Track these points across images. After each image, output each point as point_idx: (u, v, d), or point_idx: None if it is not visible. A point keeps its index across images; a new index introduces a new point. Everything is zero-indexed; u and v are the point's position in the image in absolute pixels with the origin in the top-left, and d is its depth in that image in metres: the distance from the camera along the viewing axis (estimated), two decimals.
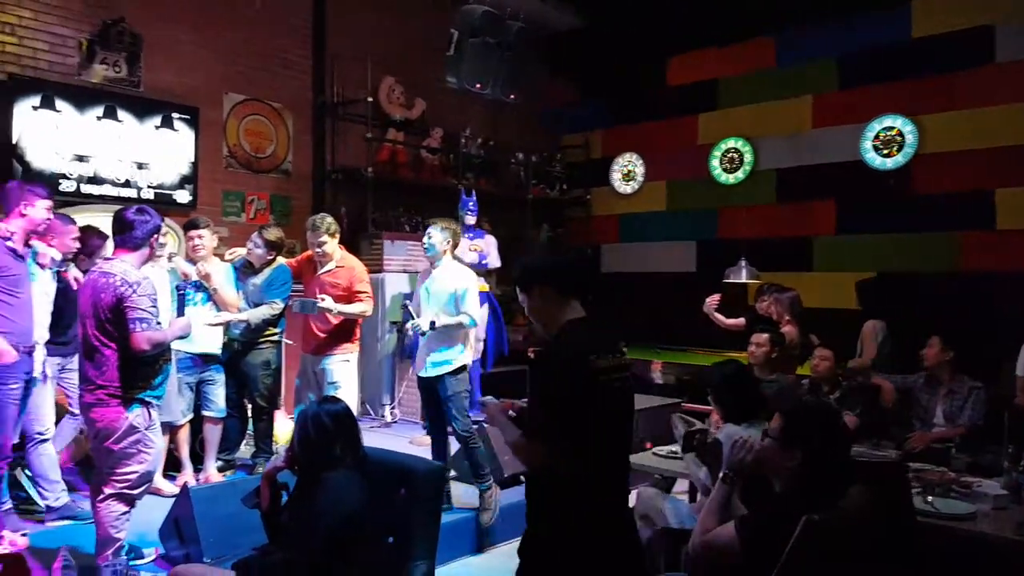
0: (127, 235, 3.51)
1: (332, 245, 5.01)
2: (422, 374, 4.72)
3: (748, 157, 8.90)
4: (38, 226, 3.95)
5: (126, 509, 3.50)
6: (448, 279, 4.65)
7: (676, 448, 3.92)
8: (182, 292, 3.77)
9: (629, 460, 2.49)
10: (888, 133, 7.82)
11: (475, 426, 4.70)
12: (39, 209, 3.91)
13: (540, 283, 2.47)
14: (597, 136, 10.42)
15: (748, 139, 8.90)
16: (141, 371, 3.44)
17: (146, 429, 3.47)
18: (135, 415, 3.42)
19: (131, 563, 3.73)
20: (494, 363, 7.08)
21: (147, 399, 3.48)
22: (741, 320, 5.82)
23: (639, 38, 9.41)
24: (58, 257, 4.39)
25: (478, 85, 6.66)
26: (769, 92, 8.71)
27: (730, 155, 9.04)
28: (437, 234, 4.67)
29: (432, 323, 4.51)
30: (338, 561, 2.73)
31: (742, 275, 6.88)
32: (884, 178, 7.86)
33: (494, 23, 6.76)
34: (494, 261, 6.89)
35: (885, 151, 7.85)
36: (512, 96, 6.98)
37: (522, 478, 5.01)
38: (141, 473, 3.49)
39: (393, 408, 7.17)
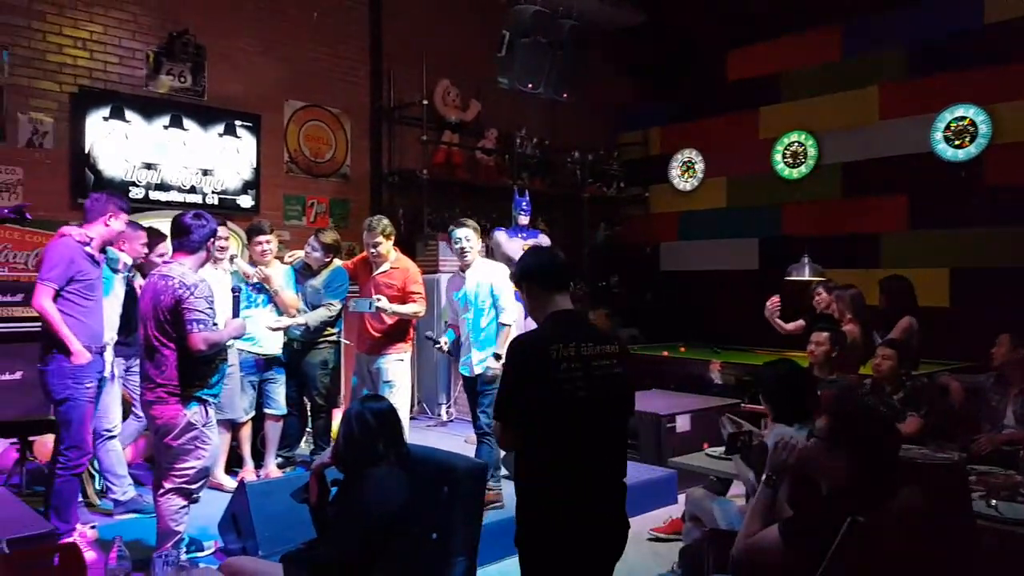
0: (184, 239, 3.63)
1: (387, 246, 5.06)
2: (467, 373, 4.74)
3: (812, 151, 8.67)
4: (115, 236, 4.12)
5: (184, 503, 3.61)
6: (484, 275, 4.68)
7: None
8: (237, 294, 3.86)
9: (617, 444, 2.61)
10: (960, 123, 7.53)
11: None
12: (120, 222, 4.09)
13: (527, 281, 2.67)
14: (655, 133, 10.30)
15: (812, 133, 8.67)
16: (198, 370, 3.56)
17: (203, 426, 3.57)
18: (193, 412, 3.53)
19: (191, 555, 3.86)
20: None
21: (204, 397, 3.58)
22: (801, 323, 5.66)
23: (697, 34, 9.28)
24: (129, 262, 4.57)
25: (530, 85, 6.65)
26: (834, 83, 8.47)
27: (793, 149, 8.83)
28: (474, 236, 4.70)
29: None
30: (381, 556, 2.77)
31: (805, 273, 6.67)
32: (956, 170, 7.56)
33: (545, 22, 6.74)
34: None
35: (957, 142, 7.55)
36: (565, 95, 6.94)
37: None
38: (199, 469, 3.60)
39: (449, 407, 7.22)
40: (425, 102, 8.07)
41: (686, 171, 9.86)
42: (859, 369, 5.29)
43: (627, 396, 2.63)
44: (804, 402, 3.34)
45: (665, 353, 7.63)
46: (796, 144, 8.79)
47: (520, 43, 6.61)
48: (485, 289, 4.64)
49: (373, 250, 5.05)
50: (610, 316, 9.88)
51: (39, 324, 5.37)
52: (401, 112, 8.36)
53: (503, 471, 4.94)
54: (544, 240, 6.96)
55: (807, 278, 6.49)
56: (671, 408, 5.92)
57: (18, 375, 5.47)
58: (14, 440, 4.80)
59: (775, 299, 5.62)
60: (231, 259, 5.12)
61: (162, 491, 3.60)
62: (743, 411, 6.08)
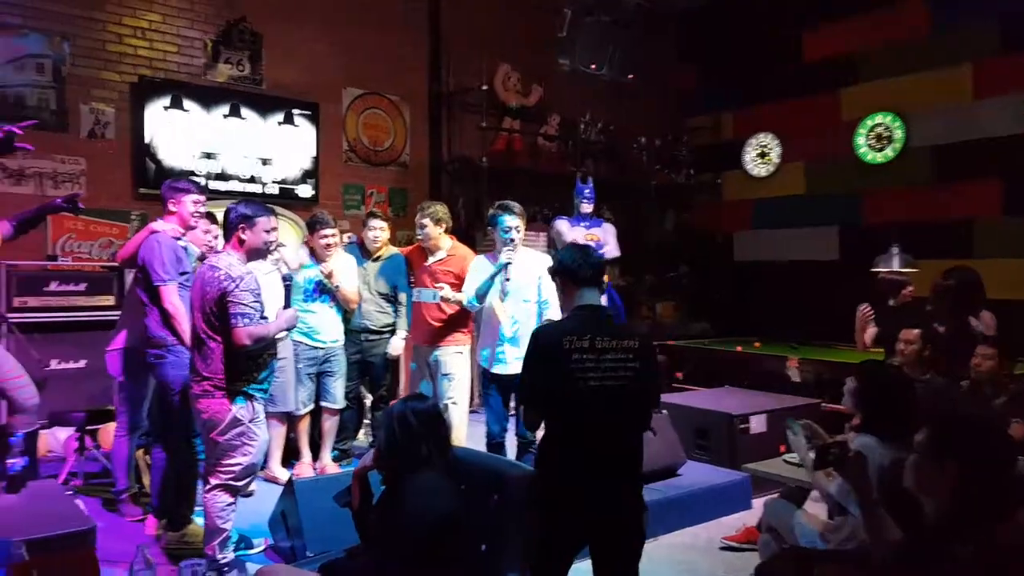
0: (232, 228, 3.51)
1: (435, 231, 4.88)
2: (498, 370, 4.44)
3: (898, 133, 8.13)
4: (188, 220, 4.04)
5: (231, 500, 3.49)
6: (531, 266, 4.42)
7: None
8: (288, 283, 3.69)
9: (629, 432, 2.72)
10: None
11: None
12: (186, 204, 4.01)
13: (562, 275, 2.87)
14: (728, 117, 9.83)
15: (898, 114, 8.12)
16: (245, 365, 3.42)
17: (250, 422, 3.44)
18: (239, 408, 3.40)
19: (240, 552, 3.74)
20: None
21: (251, 392, 3.45)
22: (873, 330, 5.23)
23: (771, 13, 8.80)
24: (196, 253, 4.47)
25: (592, 66, 6.35)
26: (921, 61, 7.91)
27: (877, 132, 8.29)
28: (522, 223, 4.45)
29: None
30: (425, 568, 2.55)
31: (894, 263, 6.16)
32: None
33: (609, 0, 6.42)
34: (612, 251, 6.55)
35: None
36: (630, 76, 6.61)
37: None
38: (245, 465, 3.47)
39: (511, 402, 6.98)
40: (485, 87, 7.85)
41: (761, 156, 9.39)
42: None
43: (643, 389, 2.73)
44: (902, 411, 2.95)
45: (738, 348, 7.26)
46: (881, 127, 8.25)
47: (582, 22, 6.31)
48: (532, 281, 4.38)
49: (420, 232, 4.92)
50: (678, 309, 9.54)
51: (104, 313, 5.48)
52: (460, 98, 8.18)
53: None
54: (608, 229, 6.66)
55: (896, 269, 6.00)
56: (744, 408, 5.56)
57: (82, 363, 5.52)
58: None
59: (866, 309, 5.19)
60: (277, 247, 4.98)
61: (208, 487, 3.48)
62: (823, 412, 5.75)
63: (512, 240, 4.37)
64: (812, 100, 8.82)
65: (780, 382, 6.40)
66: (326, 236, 4.95)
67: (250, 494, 4.46)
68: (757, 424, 5.46)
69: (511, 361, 4.34)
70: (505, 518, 2.79)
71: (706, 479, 5.01)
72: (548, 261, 4.40)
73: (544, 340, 2.69)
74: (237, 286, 3.31)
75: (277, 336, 3.67)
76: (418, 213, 4.97)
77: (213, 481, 3.46)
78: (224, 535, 3.49)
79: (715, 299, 9.33)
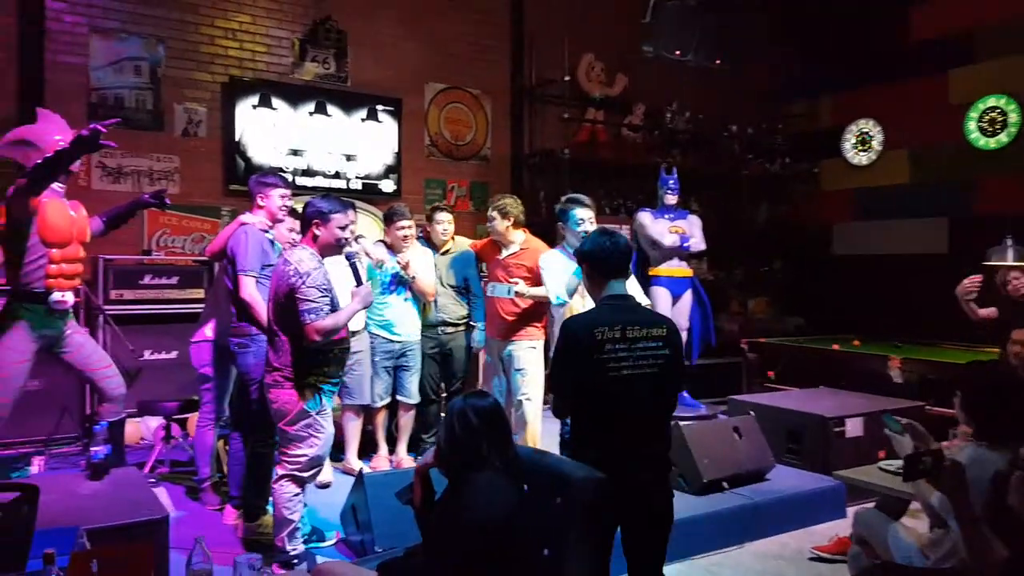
0: (307, 223, 3.54)
1: (503, 224, 4.83)
2: None
3: (1014, 117, 7.54)
4: (276, 213, 4.11)
5: (297, 491, 3.51)
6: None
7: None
8: (352, 261, 3.63)
9: (658, 418, 2.80)
10: None
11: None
12: (274, 198, 4.08)
13: (587, 262, 2.86)
14: (825, 102, 9.34)
15: (1013, 96, 7.53)
16: (315, 358, 3.43)
17: (317, 414, 3.46)
18: (307, 400, 3.43)
19: (312, 545, 3.76)
20: (700, 355, 6.52)
21: (320, 386, 3.46)
22: (994, 310, 4.85)
23: None
24: (281, 248, 4.54)
25: (677, 52, 6.12)
26: None
27: (991, 116, 7.71)
28: (593, 215, 4.34)
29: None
30: (484, 572, 2.47)
31: (1008, 256, 5.68)
32: None
33: None
34: (698, 243, 6.32)
35: None
36: (718, 61, 6.34)
37: (724, 484, 4.59)
38: (311, 456, 3.48)
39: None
40: (567, 78, 7.72)
41: (862, 143, 8.89)
42: None
43: (672, 374, 2.78)
44: (1013, 416, 2.68)
45: (835, 347, 6.88)
46: (994, 110, 7.67)
47: (667, 6, 6.09)
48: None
49: (488, 226, 4.91)
50: (771, 304, 9.17)
51: (194, 306, 5.65)
52: (543, 90, 8.08)
53: None
54: (694, 221, 6.43)
55: (1011, 263, 5.55)
56: (840, 410, 5.25)
57: (173, 354, 5.70)
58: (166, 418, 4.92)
59: (975, 278, 4.84)
60: (356, 239, 5.01)
61: (276, 477, 3.53)
62: (928, 416, 5.38)
63: (586, 232, 4.23)
64: (919, 82, 8.29)
65: (881, 383, 6.01)
66: (403, 228, 4.94)
67: (326, 486, 4.52)
68: (853, 427, 5.15)
69: None
70: (569, 522, 2.67)
71: (796, 485, 4.78)
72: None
73: (576, 332, 2.70)
74: (304, 282, 3.31)
75: (354, 328, 3.66)
76: (489, 207, 4.96)
77: (280, 471, 3.52)
78: (292, 526, 3.51)
79: (812, 294, 8.91)
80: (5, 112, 5.52)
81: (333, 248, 3.53)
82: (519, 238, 4.87)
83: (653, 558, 2.81)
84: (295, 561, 3.50)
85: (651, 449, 2.75)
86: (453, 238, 5.34)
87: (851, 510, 4.29)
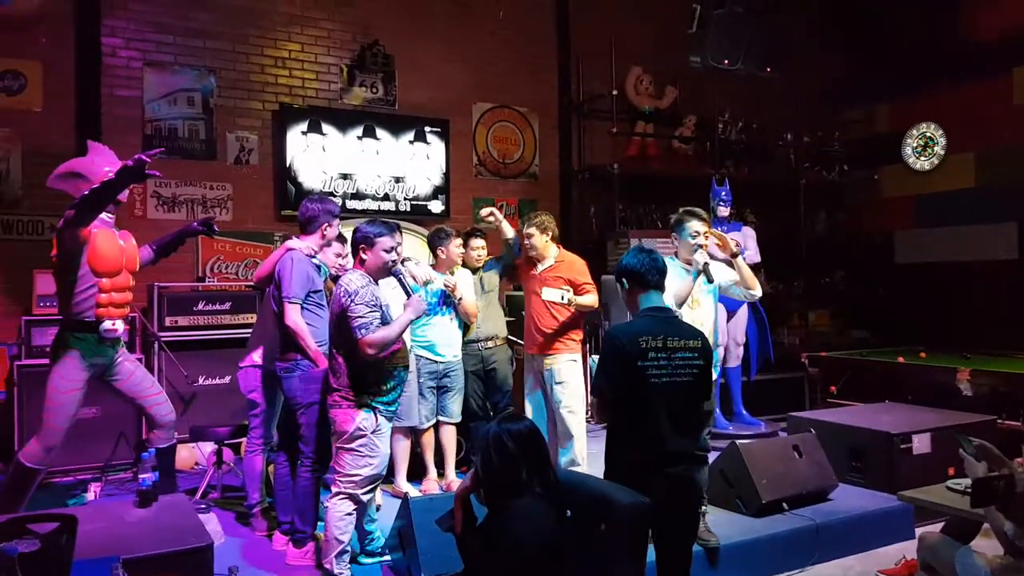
0: (355, 248, 3.63)
1: (541, 240, 4.83)
2: None
3: None
4: (332, 240, 4.15)
5: (351, 510, 3.53)
6: (726, 275, 4.34)
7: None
8: (400, 276, 3.65)
9: (693, 422, 2.95)
10: None
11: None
12: (334, 229, 4.13)
13: (624, 278, 3.07)
14: (883, 107, 9.06)
15: None
16: (371, 376, 3.49)
17: (372, 433, 3.49)
18: (362, 419, 3.47)
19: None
20: (758, 370, 6.34)
21: (376, 405, 3.50)
22: None
23: None
24: (328, 272, 4.57)
25: (726, 61, 5.99)
26: None
27: None
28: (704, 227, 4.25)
29: None
30: None
31: None
32: None
33: None
34: (753, 256, 6.16)
35: None
36: (769, 69, 6.19)
37: (784, 505, 4.43)
38: (365, 476, 3.51)
39: None
40: (615, 93, 7.65)
41: (923, 148, 8.59)
42: None
43: (705, 382, 2.99)
44: None
45: (901, 359, 6.62)
46: None
47: (714, 16, 5.97)
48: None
49: (526, 241, 4.88)
50: (833, 317, 8.89)
51: (246, 331, 5.70)
52: (591, 106, 8.03)
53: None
54: (748, 232, 6.29)
55: None
56: (907, 425, 5.03)
57: (226, 380, 5.76)
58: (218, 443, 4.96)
59: None
60: (403, 262, 5.01)
61: (331, 494, 3.57)
62: (1001, 429, 5.12)
63: (700, 246, 4.14)
64: (980, 83, 7.98)
65: (949, 396, 5.75)
66: (459, 245, 5.01)
67: (376, 509, 4.49)
68: (921, 444, 4.92)
69: None
70: (613, 548, 2.59)
71: (861, 505, 4.61)
72: (728, 273, 4.29)
73: (622, 339, 2.89)
74: (352, 300, 3.39)
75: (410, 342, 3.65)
76: (523, 225, 4.95)
77: (335, 489, 3.54)
78: (340, 547, 3.52)
79: (875, 305, 8.61)
80: (63, 145, 5.70)
81: (382, 270, 3.59)
82: (553, 252, 4.89)
83: (682, 553, 2.99)
84: None
85: (684, 449, 2.90)
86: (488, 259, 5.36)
87: (919, 531, 4.10)
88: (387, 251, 3.56)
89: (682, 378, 2.88)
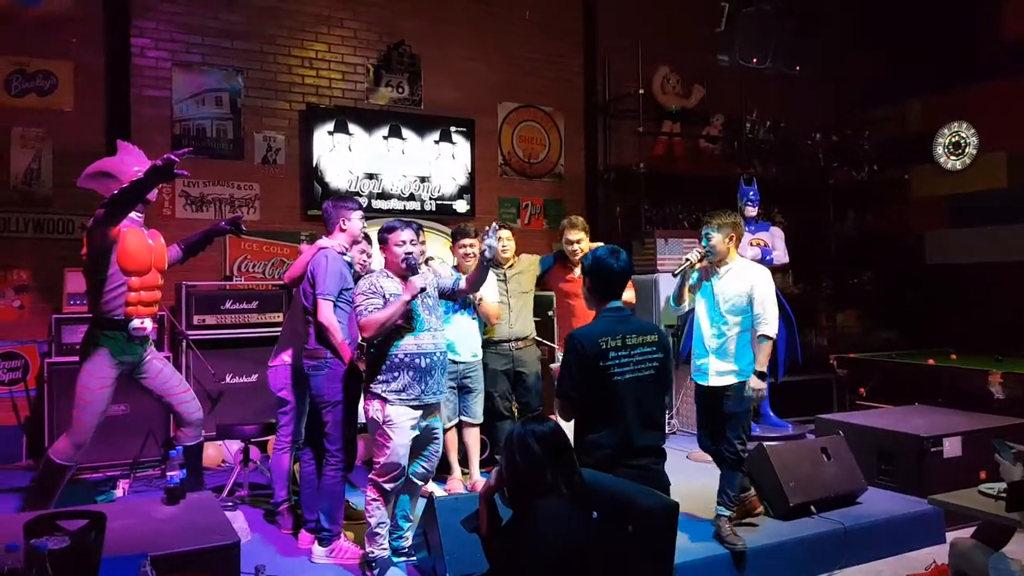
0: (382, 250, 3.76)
1: (587, 242, 4.95)
2: (702, 381, 4.24)
3: None
4: (357, 236, 4.17)
5: (374, 496, 3.62)
6: (743, 278, 4.13)
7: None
8: (412, 264, 3.65)
9: (655, 413, 3.12)
10: None
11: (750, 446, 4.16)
12: (355, 221, 4.14)
13: (591, 277, 3.18)
14: (914, 105, 8.93)
15: None
16: (379, 367, 3.59)
17: (384, 424, 3.56)
18: (374, 409, 3.59)
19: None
20: (785, 371, 6.27)
21: (383, 394, 3.57)
22: None
23: None
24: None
25: (754, 60, 5.93)
26: None
27: None
28: (716, 234, 4.16)
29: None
30: None
31: None
32: None
33: None
34: (781, 256, 6.10)
35: None
36: (797, 68, 6.12)
37: (812, 508, 4.38)
38: (383, 464, 3.58)
39: (671, 419, 6.66)
40: (641, 91, 7.61)
41: (955, 147, 8.45)
42: None
43: (665, 375, 3.15)
44: None
45: (931, 361, 6.51)
46: None
47: (742, 14, 5.92)
48: (743, 293, 4.10)
49: (576, 246, 4.90)
50: (861, 318, 8.78)
51: (273, 330, 5.75)
52: (617, 105, 8.00)
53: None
54: (776, 233, 6.22)
55: None
56: (937, 428, 4.95)
57: (253, 378, 5.82)
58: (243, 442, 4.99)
59: None
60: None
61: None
62: None
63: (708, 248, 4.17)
64: (1015, 81, 7.83)
65: (980, 399, 5.65)
66: (464, 246, 4.95)
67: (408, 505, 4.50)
68: (952, 447, 4.84)
69: (712, 374, 4.16)
70: (639, 550, 2.56)
71: (890, 509, 4.56)
72: (762, 273, 4.19)
73: (583, 343, 3.01)
74: (355, 292, 3.67)
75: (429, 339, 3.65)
76: (569, 227, 5.01)
77: (369, 475, 3.68)
78: (369, 529, 3.63)
79: (904, 307, 8.49)
80: (94, 145, 5.77)
81: (402, 267, 3.64)
82: None
83: None
84: (373, 566, 3.61)
85: (653, 443, 3.07)
86: (518, 255, 5.33)
87: (950, 535, 4.04)
88: (399, 245, 3.63)
89: (644, 372, 3.02)
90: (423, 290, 3.63)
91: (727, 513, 4.06)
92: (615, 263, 3.12)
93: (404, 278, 3.62)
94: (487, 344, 5.14)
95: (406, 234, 3.66)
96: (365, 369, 3.71)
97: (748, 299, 4.06)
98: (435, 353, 3.66)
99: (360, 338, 3.82)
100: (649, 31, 7.81)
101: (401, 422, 3.57)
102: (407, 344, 3.59)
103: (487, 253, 3.66)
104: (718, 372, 4.12)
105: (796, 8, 6.25)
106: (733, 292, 4.09)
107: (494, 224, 3.81)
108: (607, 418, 2.98)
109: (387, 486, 3.61)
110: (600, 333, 3.03)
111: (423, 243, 4.84)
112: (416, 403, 3.60)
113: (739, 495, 4.15)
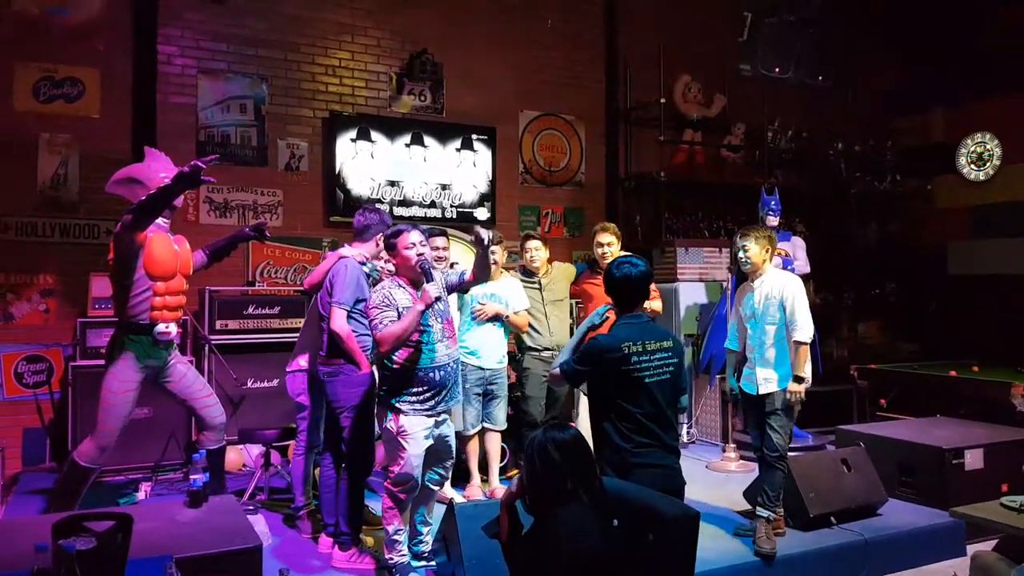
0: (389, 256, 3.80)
1: (618, 246, 5.07)
2: (751, 391, 4.38)
3: None
4: (380, 253, 4.17)
5: (390, 504, 3.65)
6: (775, 286, 4.30)
7: None
8: (425, 267, 3.60)
9: (671, 415, 3.20)
10: None
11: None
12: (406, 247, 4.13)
13: (611, 289, 3.27)
14: (938, 115, 8.87)
15: None
16: (393, 378, 3.60)
17: (398, 434, 3.57)
18: (388, 420, 3.60)
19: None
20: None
21: (398, 405, 3.58)
22: None
23: None
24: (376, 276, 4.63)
25: (777, 69, 5.92)
26: None
27: None
28: (752, 246, 4.32)
29: None
30: None
31: None
32: None
33: None
34: (802, 266, 6.07)
35: None
36: (820, 77, 6.10)
37: (832, 519, 4.35)
38: (398, 473, 3.60)
39: (690, 428, 6.64)
40: (663, 100, 7.61)
41: (979, 158, 8.38)
42: None
43: (681, 379, 3.27)
44: None
45: (953, 373, 6.45)
46: None
47: (765, 24, 5.91)
48: (775, 302, 4.26)
49: (606, 249, 5.02)
50: (884, 329, 8.71)
51: (294, 335, 5.78)
52: (638, 114, 7.99)
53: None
54: (797, 243, 6.20)
55: None
56: (959, 440, 4.92)
57: (274, 383, 5.84)
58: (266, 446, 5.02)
59: None
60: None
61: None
62: None
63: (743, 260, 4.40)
64: None
65: (1002, 412, 5.60)
66: (499, 251, 5.01)
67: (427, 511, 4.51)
68: (973, 459, 4.81)
69: (760, 382, 4.30)
70: (660, 558, 2.56)
71: (911, 521, 4.54)
72: (794, 281, 4.32)
73: (607, 347, 3.12)
74: (370, 306, 3.60)
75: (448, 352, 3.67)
76: (601, 232, 5.12)
77: (385, 484, 3.70)
78: (387, 537, 3.67)
79: (927, 318, 8.41)
80: (121, 151, 5.85)
81: (413, 268, 3.61)
82: None
83: None
84: (394, 571, 3.65)
85: (672, 442, 3.20)
86: (551, 263, 5.40)
87: (971, 548, 4.01)
88: (409, 248, 3.59)
89: (663, 375, 3.14)
90: (438, 299, 3.59)
91: (765, 514, 4.13)
92: (632, 269, 3.23)
93: (417, 284, 3.59)
94: (530, 350, 5.21)
95: (414, 236, 3.62)
96: (379, 380, 3.71)
97: (780, 306, 4.22)
98: (448, 365, 3.66)
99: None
100: (671, 40, 7.81)
101: (415, 432, 3.58)
102: (423, 358, 3.59)
103: (482, 235, 3.60)
104: (764, 380, 4.26)
105: (819, 18, 6.21)
106: (768, 301, 4.25)
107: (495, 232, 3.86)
108: (631, 419, 3.09)
109: (401, 496, 3.64)
110: (623, 338, 3.13)
111: (446, 248, 4.90)
112: (429, 412, 3.62)
113: (780, 496, 4.21)
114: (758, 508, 4.18)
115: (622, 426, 3.10)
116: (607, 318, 3.39)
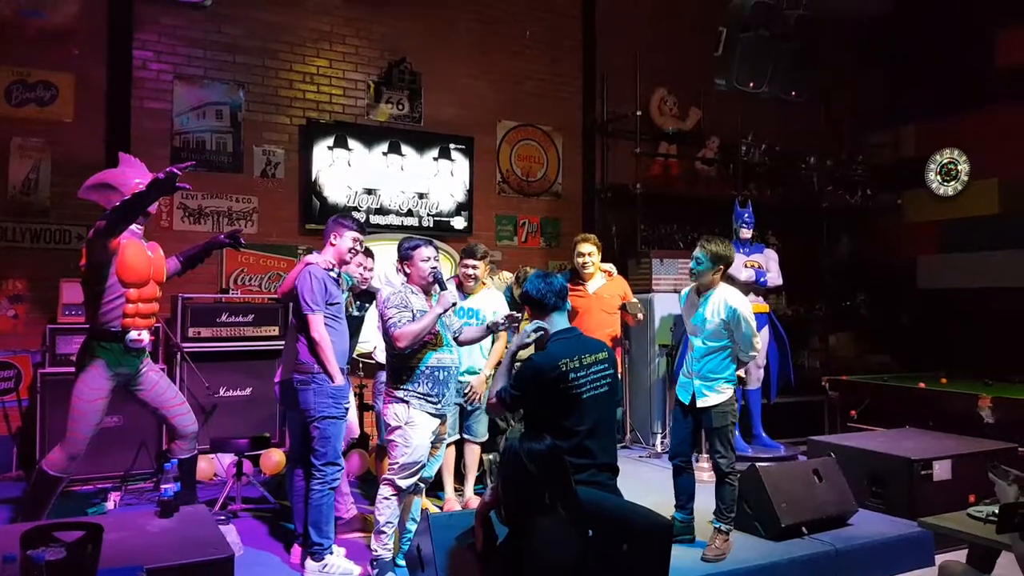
0: (401, 265, 3.95)
1: (598, 256, 5.19)
2: (685, 400, 4.35)
3: None
4: (344, 255, 4.15)
5: (388, 494, 3.73)
6: (721, 302, 4.25)
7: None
8: (438, 276, 3.86)
9: (609, 429, 3.25)
10: None
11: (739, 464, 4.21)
12: (346, 239, 4.13)
13: (529, 305, 3.31)
14: (908, 131, 9.03)
15: None
16: (404, 373, 3.75)
17: (405, 424, 3.71)
18: (396, 411, 3.74)
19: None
20: (778, 393, 6.30)
21: (409, 398, 3.71)
22: None
23: (958, 13, 8.02)
24: (351, 281, 4.60)
25: (751, 84, 5.99)
26: None
27: None
28: (705, 262, 4.29)
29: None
30: None
31: None
32: None
33: (768, 13, 6.05)
34: (775, 278, 6.15)
35: None
36: (794, 93, 6.19)
37: (803, 530, 4.39)
38: (401, 463, 3.72)
39: (664, 438, 6.68)
40: (639, 113, 7.68)
41: (947, 174, 8.55)
42: None
43: (617, 391, 3.33)
44: None
45: (921, 385, 6.56)
46: None
47: (739, 39, 5.99)
48: (718, 317, 4.21)
49: (586, 259, 5.13)
50: (854, 340, 8.83)
51: (269, 343, 5.77)
52: (614, 126, 8.07)
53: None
54: (770, 255, 6.27)
55: None
56: (927, 451, 4.98)
57: (247, 391, 5.81)
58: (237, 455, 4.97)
59: None
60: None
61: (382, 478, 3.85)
62: (1022, 457, 5.06)
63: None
64: (1008, 109, 7.93)
65: (970, 423, 5.70)
66: (467, 266, 4.96)
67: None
68: (941, 470, 4.87)
69: (697, 394, 4.27)
70: (636, 569, 2.58)
71: (880, 531, 4.57)
72: (740, 301, 4.26)
73: (543, 366, 3.11)
74: (385, 305, 3.77)
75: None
76: (582, 242, 5.20)
77: (381, 478, 3.86)
78: (379, 527, 3.75)
79: (897, 330, 8.54)
80: (94, 156, 5.80)
81: (428, 282, 3.85)
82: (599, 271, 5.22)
83: None
84: (374, 563, 3.72)
85: (609, 457, 3.19)
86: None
87: (939, 558, 4.06)
88: (425, 260, 3.85)
89: (600, 389, 3.13)
90: (454, 304, 3.83)
91: (718, 524, 4.15)
92: (542, 283, 3.25)
93: (428, 292, 3.86)
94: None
95: (429, 250, 3.88)
96: (387, 374, 3.90)
97: (724, 325, 4.18)
98: (451, 367, 3.90)
99: (358, 352, 3.91)
100: (648, 53, 7.88)
101: (420, 424, 3.74)
102: (430, 356, 3.78)
103: (497, 327, 3.95)
104: (702, 392, 4.22)
105: (793, 34, 6.30)
106: (714, 318, 4.21)
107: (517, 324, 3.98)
108: (569, 435, 3.05)
109: (404, 483, 3.74)
110: (559, 355, 3.12)
111: (476, 268, 4.96)
112: (434, 411, 3.78)
113: (734, 508, 4.20)
114: (714, 519, 4.20)
115: (561, 442, 2.99)
116: (542, 335, 3.29)
